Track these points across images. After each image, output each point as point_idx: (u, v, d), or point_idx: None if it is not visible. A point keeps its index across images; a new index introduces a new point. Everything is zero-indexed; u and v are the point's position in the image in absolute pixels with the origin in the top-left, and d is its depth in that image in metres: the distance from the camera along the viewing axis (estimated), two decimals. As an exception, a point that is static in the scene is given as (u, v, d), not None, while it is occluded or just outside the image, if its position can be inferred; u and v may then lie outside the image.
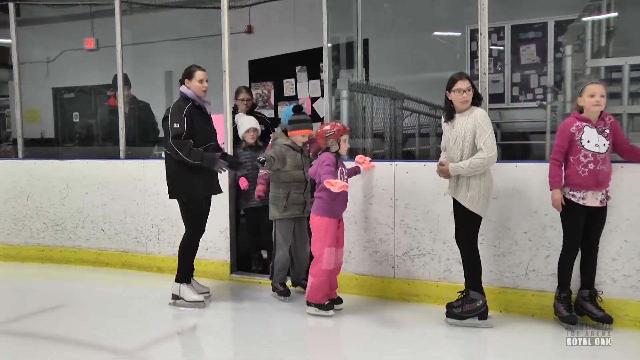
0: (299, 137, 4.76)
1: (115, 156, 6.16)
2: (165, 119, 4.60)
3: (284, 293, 4.87)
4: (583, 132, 3.92)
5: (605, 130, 3.91)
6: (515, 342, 3.96)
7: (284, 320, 4.47)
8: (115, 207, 5.97)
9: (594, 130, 3.90)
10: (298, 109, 4.81)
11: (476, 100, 4.09)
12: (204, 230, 4.83)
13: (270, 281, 5.03)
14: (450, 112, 4.15)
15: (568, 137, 3.95)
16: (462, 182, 4.06)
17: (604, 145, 3.89)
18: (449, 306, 4.28)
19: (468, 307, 4.13)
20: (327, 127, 4.44)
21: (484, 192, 4.03)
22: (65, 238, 6.23)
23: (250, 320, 4.52)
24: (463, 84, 4.03)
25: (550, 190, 4.01)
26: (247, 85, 8.82)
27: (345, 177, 4.45)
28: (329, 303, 4.46)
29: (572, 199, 3.96)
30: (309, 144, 4.83)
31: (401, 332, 4.18)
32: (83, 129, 10.14)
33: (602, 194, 3.93)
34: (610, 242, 4.07)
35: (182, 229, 4.73)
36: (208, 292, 4.90)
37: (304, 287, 4.92)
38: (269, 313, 4.61)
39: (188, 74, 4.68)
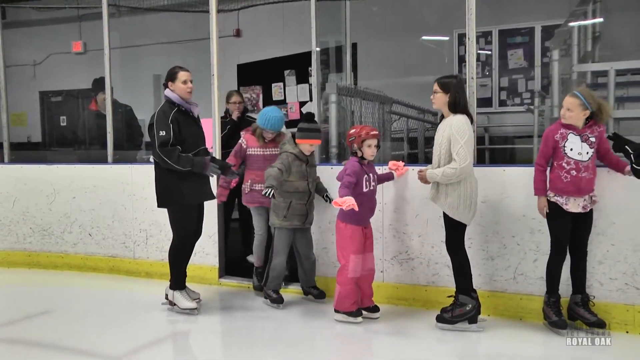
0: (307, 146, 4.60)
1: (102, 160, 6.12)
2: (150, 126, 4.49)
3: (278, 300, 4.75)
4: (567, 139, 3.94)
5: (591, 139, 3.91)
6: (506, 345, 3.97)
7: (273, 326, 4.45)
8: (103, 211, 5.94)
9: (578, 138, 3.92)
10: (310, 117, 4.67)
11: (456, 108, 4.06)
12: (199, 235, 4.80)
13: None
14: (441, 116, 4.21)
15: (552, 144, 3.98)
16: (441, 188, 4.10)
17: (587, 153, 3.90)
18: (442, 311, 4.29)
19: (458, 311, 4.13)
20: (352, 131, 4.34)
21: (464, 199, 4.03)
22: (52, 243, 6.18)
23: (240, 326, 4.50)
24: (433, 86, 4.13)
25: (535, 195, 4.05)
26: (236, 89, 8.81)
27: (373, 183, 4.37)
28: (358, 310, 4.34)
29: (557, 202, 4.00)
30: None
31: (390, 336, 4.17)
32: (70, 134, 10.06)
33: (585, 200, 3.94)
34: (597, 245, 4.11)
35: (171, 234, 4.70)
36: (199, 298, 4.86)
37: (315, 295, 4.85)
38: (259, 318, 4.59)
39: (171, 76, 4.56)
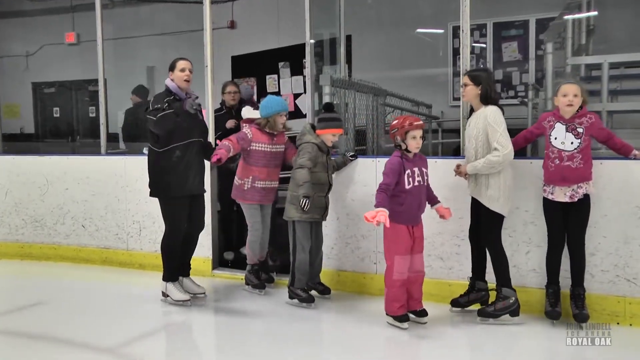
0: (329, 136, 4.47)
1: (96, 152, 6.11)
2: (146, 109, 4.46)
3: (309, 299, 4.54)
4: (554, 128, 3.98)
5: (578, 129, 3.92)
6: (504, 338, 3.98)
7: (265, 317, 4.45)
8: (96, 203, 5.92)
9: (564, 127, 3.94)
10: (329, 107, 4.59)
11: (488, 100, 4.06)
12: (202, 227, 4.80)
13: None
14: (470, 109, 4.21)
15: (539, 127, 4.10)
16: (481, 181, 4.06)
17: (572, 143, 3.91)
18: (455, 303, 4.33)
19: (501, 304, 4.09)
20: (394, 122, 4.07)
21: (504, 191, 4.02)
22: (44, 234, 6.16)
23: (234, 318, 4.50)
24: (462, 79, 4.15)
25: None
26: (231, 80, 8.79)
27: (419, 178, 4.03)
28: (405, 315, 4.07)
29: (543, 194, 4.05)
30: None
31: (385, 329, 4.14)
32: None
33: (572, 189, 3.93)
34: (588, 238, 4.11)
35: (164, 225, 4.69)
36: (203, 293, 4.80)
37: (320, 291, 4.75)
38: (252, 311, 4.58)
39: (171, 66, 4.57)
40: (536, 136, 4.21)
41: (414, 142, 3.98)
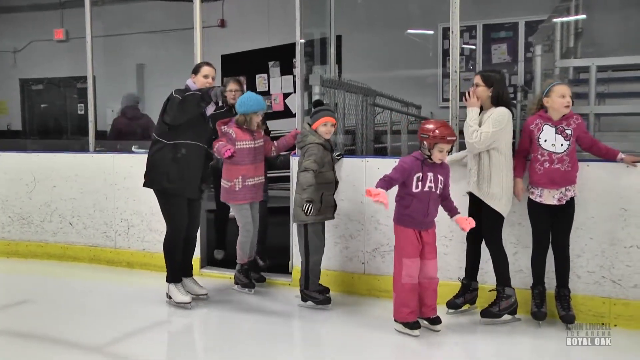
0: (322, 127, 4.41)
1: (84, 149, 6.08)
2: (165, 102, 4.41)
3: (325, 301, 4.50)
4: (542, 130, 4.00)
5: (566, 131, 3.95)
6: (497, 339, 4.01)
7: (259, 316, 4.45)
8: (84, 201, 5.89)
9: (553, 129, 3.97)
10: (318, 103, 4.65)
11: (499, 102, 4.05)
12: (197, 226, 4.79)
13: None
14: (480, 108, 4.18)
15: (528, 134, 4.08)
16: (482, 177, 4.03)
17: (562, 145, 3.94)
18: (452, 304, 4.32)
19: (504, 304, 4.10)
20: (428, 126, 3.87)
21: (506, 191, 4.02)
22: (31, 232, 6.12)
23: (221, 317, 4.50)
24: (474, 79, 4.13)
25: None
26: (220, 80, 8.78)
27: (431, 184, 3.90)
28: (416, 322, 3.94)
29: (531, 196, 4.06)
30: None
31: (379, 328, 4.13)
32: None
33: (561, 192, 3.96)
34: (575, 239, 4.15)
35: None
36: (206, 294, 4.76)
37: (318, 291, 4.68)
38: (239, 308, 4.59)
39: (195, 69, 4.60)
40: (530, 142, 4.15)
41: (439, 155, 3.85)
